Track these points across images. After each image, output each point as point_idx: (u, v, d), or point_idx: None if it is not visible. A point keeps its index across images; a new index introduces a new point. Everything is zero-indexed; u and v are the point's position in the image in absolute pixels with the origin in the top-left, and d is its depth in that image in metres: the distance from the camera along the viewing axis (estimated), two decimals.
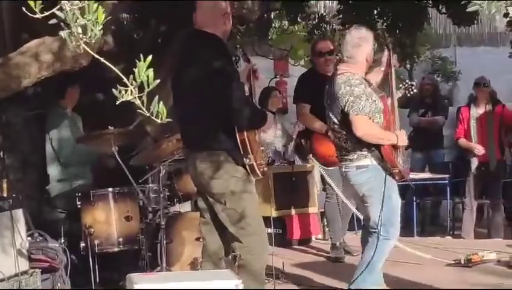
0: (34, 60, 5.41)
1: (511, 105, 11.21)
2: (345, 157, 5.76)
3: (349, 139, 5.68)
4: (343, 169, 5.81)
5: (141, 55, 2.39)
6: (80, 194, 6.72)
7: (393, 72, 5.95)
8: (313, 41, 8.90)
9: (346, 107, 5.57)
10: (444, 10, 10.18)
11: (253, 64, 5.41)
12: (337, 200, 7.73)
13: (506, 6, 10.65)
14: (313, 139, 7.69)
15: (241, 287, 3.78)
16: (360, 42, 5.73)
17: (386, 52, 6.05)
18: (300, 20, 11.24)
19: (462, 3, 2.43)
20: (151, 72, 2.35)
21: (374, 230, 5.68)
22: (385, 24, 10.03)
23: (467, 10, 2.44)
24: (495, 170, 9.43)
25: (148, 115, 2.36)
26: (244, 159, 4.91)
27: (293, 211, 8.75)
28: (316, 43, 8.21)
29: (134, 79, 2.35)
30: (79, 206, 6.65)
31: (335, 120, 5.77)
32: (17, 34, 5.61)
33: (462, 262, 7.29)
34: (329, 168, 7.61)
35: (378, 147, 5.57)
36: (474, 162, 9.50)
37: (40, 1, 2.40)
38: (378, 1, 9.51)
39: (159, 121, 2.37)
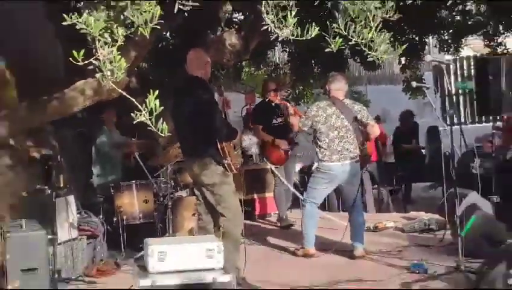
0: (80, 94, 5.35)
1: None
2: None
3: None
4: None
5: (151, 90, 2.39)
6: (112, 184, 6.70)
7: None
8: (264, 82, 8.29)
9: None
10: (358, 60, 10.22)
11: (225, 97, 5.40)
12: (282, 187, 7.70)
13: (399, 58, 10.52)
14: (266, 148, 7.64)
15: (222, 248, 3.75)
16: None
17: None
18: (262, 67, 11.37)
19: (364, 54, 2.45)
20: (157, 101, 2.36)
21: None
22: (318, 70, 10.08)
23: (367, 60, 2.47)
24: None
25: (155, 130, 2.36)
26: (224, 160, 4.92)
27: (256, 195, 8.69)
28: (267, 83, 7.83)
29: (146, 106, 2.35)
30: (112, 193, 6.63)
31: None
32: (71, 75, 5.58)
33: (371, 228, 7.28)
34: (277, 166, 7.61)
35: None
36: None
37: (82, 52, 2.41)
38: (313, 54, 9.49)
39: (163, 135, 2.38)
